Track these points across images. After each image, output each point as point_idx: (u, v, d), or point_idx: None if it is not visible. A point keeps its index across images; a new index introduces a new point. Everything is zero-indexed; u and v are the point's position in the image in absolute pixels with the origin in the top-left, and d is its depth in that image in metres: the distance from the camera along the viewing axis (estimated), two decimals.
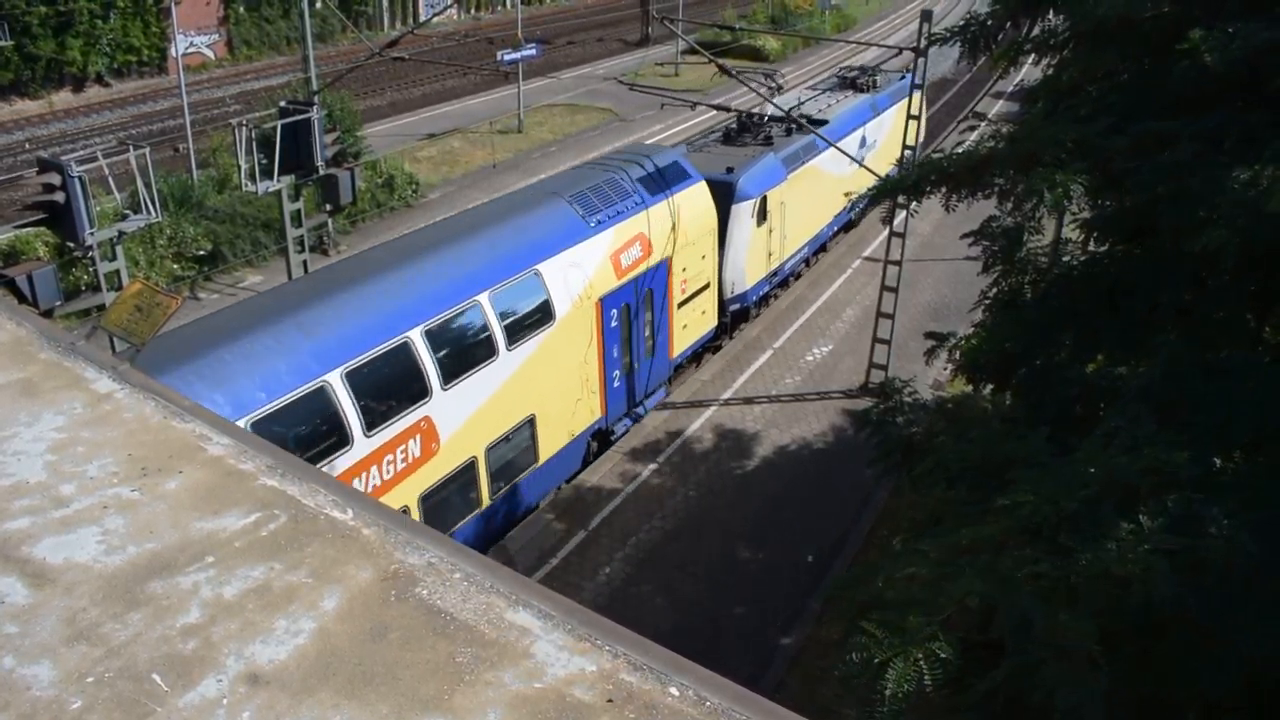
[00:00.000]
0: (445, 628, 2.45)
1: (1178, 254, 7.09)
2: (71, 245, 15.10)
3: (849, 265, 24.86)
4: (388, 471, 11.49)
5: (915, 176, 9.06)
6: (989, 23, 9.38)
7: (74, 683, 2.28)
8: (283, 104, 18.75)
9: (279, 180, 17.82)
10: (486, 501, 13.36)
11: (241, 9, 44.21)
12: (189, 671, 2.32)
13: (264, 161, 17.52)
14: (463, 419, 12.49)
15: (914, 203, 9.65)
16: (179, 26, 36.35)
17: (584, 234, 14.66)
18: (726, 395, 18.50)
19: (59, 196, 14.25)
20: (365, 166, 25.55)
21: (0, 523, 2.81)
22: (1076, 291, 8.58)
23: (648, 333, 16.53)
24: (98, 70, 38.44)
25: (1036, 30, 9.62)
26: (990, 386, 10.22)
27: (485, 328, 12.88)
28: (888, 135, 25.63)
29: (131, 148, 15.50)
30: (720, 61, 18.64)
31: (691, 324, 17.94)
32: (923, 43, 15.77)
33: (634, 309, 15.84)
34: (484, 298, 12.83)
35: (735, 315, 20.04)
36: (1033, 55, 9.65)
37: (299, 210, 19.14)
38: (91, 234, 14.63)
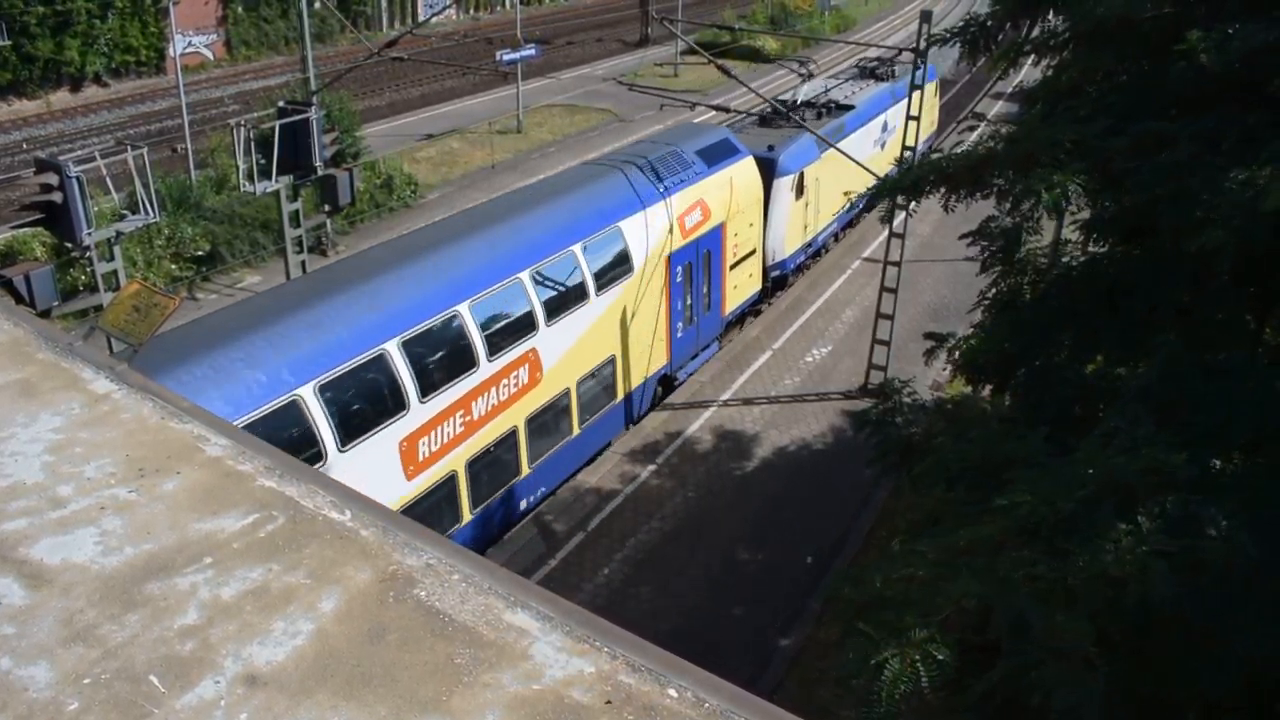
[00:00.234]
0: (444, 629, 2.44)
1: (1177, 254, 7.08)
2: (69, 245, 15.09)
3: (848, 266, 24.86)
4: (504, 393, 13.32)
5: (914, 176, 9.06)
6: (988, 23, 9.38)
7: (71, 684, 2.28)
8: (281, 104, 18.75)
9: (277, 181, 17.81)
10: (576, 431, 15.15)
11: (240, 9, 44.19)
12: (187, 673, 2.31)
13: (262, 162, 17.51)
14: (560, 353, 14.36)
15: (913, 203, 9.65)
16: (177, 26, 36.31)
17: (655, 198, 16.48)
18: (725, 396, 18.50)
19: (57, 197, 14.23)
20: (364, 167, 25.54)
21: None
22: (1076, 292, 8.58)
23: (705, 290, 18.25)
24: (96, 70, 38.43)
25: (1036, 31, 9.61)
26: (989, 387, 10.22)
27: (579, 274, 14.75)
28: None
29: (129, 148, 15.48)
30: (719, 62, 18.66)
31: (740, 285, 19.73)
32: (922, 43, 15.77)
33: (695, 267, 17.58)
34: (577, 248, 14.69)
35: (775, 281, 21.96)
36: (1032, 56, 9.64)
37: (297, 211, 19.13)
38: (89, 234, 14.61)
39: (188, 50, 41.03)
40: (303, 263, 19.30)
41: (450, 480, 12.72)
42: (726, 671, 2.38)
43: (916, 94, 17.37)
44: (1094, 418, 7.51)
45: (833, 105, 23.86)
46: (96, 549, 2.71)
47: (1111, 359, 8.71)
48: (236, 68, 43.06)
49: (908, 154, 17.72)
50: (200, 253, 22.24)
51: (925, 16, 16.09)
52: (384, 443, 11.44)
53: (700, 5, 58.42)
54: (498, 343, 13.11)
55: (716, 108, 20.07)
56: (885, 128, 26.17)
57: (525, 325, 13.64)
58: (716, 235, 18.14)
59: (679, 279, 17.12)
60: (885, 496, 15.20)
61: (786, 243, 21.20)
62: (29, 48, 35.69)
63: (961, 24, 9.56)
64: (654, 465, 16.28)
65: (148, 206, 15.79)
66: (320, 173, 18.27)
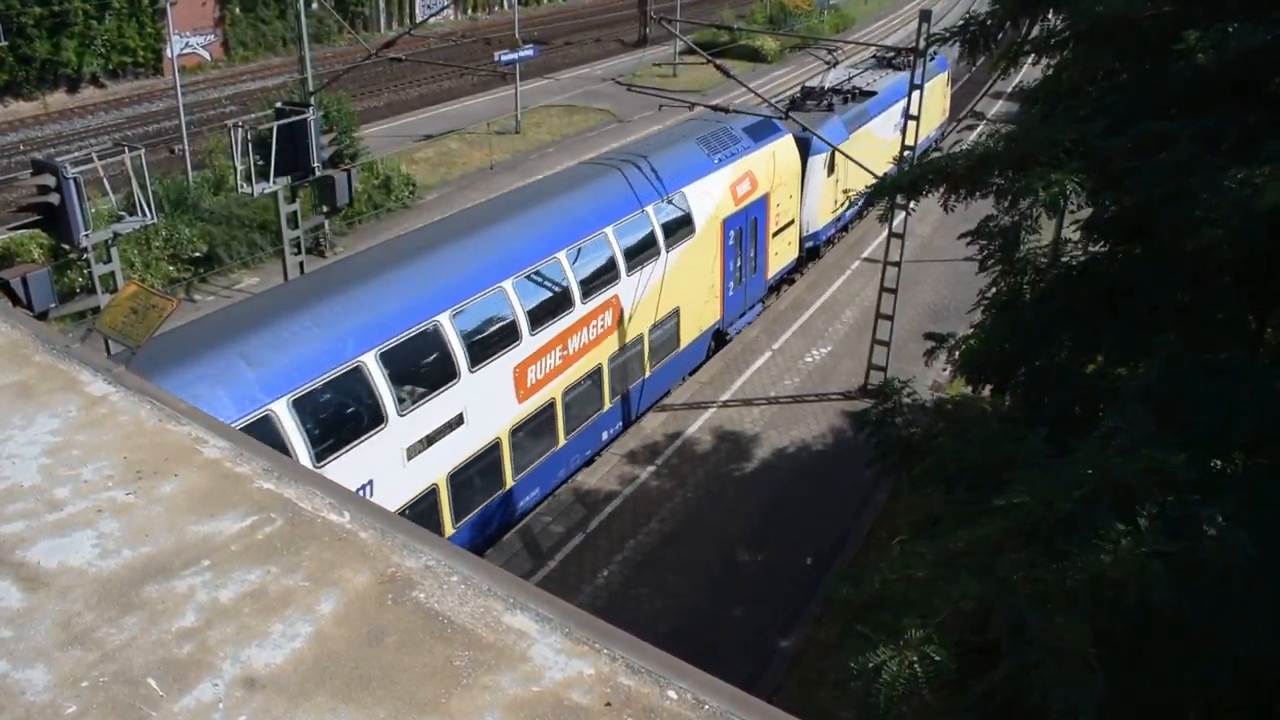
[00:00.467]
0: (443, 631, 2.43)
1: (1177, 254, 7.08)
2: (66, 247, 15.08)
3: (848, 266, 24.87)
4: (592, 333, 15.24)
5: (913, 176, 9.05)
6: (988, 23, 9.37)
7: (68, 687, 2.27)
8: (279, 105, 18.71)
9: (275, 182, 17.77)
10: (647, 373, 17.17)
11: (237, 10, 44.17)
12: (185, 676, 2.30)
13: (260, 163, 17.47)
14: (636, 301, 16.25)
15: (912, 202, 9.64)
16: (174, 27, 36.24)
17: (711, 167, 18.41)
18: (725, 397, 18.50)
19: (54, 198, 14.19)
20: (362, 168, 25.51)
21: None
22: (1076, 292, 8.57)
23: (752, 253, 20.21)
24: (93, 71, 38.40)
25: (1036, 30, 9.61)
26: (989, 387, 10.21)
27: (651, 231, 16.71)
28: (924, 106, 29.05)
29: (127, 149, 15.46)
30: (718, 62, 18.68)
31: (781, 252, 21.77)
32: (922, 43, 15.77)
33: (744, 232, 19.50)
34: (650, 209, 16.68)
35: (809, 251, 24.02)
36: (1032, 56, 9.63)
37: (296, 212, 19.10)
38: (86, 236, 14.58)
39: (185, 51, 41.01)
40: (300, 264, 19.27)
41: (550, 407, 14.61)
42: (726, 673, 2.37)
43: (922, 90, 17.73)
44: (1094, 418, 7.50)
45: (857, 91, 25.95)
46: (94, 551, 2.70)
47: (1111, 359, 8.70)
48: (234, 69, 43.05)
49: (907, 153, 17.73)
50: (198, 254, 22.22)
51: (925, 16, 16.09)
52: (502, 367, 13.46)
53: (699, 5, 58.41)
54: (589, 287, 15.10)
55: (715, 108, 20.03)
56: (904, 112, 27.67)
57: (609, 274, 15.60)
58: (762, 204, 20.05)
59: (731, 242, 18.94)
60: (885, 497, 15.19)
61: (819, 216, 23.15)
62: (25, 48, 35.66)
63: (961, 23, 9.55)
64: (653, 466, 16.28)
65: (145, 208, 15.76)
66: (318, 174, 18.24)
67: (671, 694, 2.25)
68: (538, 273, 14.22)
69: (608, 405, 16.01)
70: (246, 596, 2.55)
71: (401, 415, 11.71)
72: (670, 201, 17.16)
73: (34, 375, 3.59)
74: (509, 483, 13.93)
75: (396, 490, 11.78)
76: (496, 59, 33.35)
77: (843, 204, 24.28)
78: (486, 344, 13.22)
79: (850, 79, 27.30)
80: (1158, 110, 7.91)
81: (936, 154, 9.34)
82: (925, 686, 5.19)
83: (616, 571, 13.81)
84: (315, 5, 39.72)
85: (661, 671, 2.31)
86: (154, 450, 3.16)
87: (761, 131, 20.28)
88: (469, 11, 58.73)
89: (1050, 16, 9.51)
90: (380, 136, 32.19)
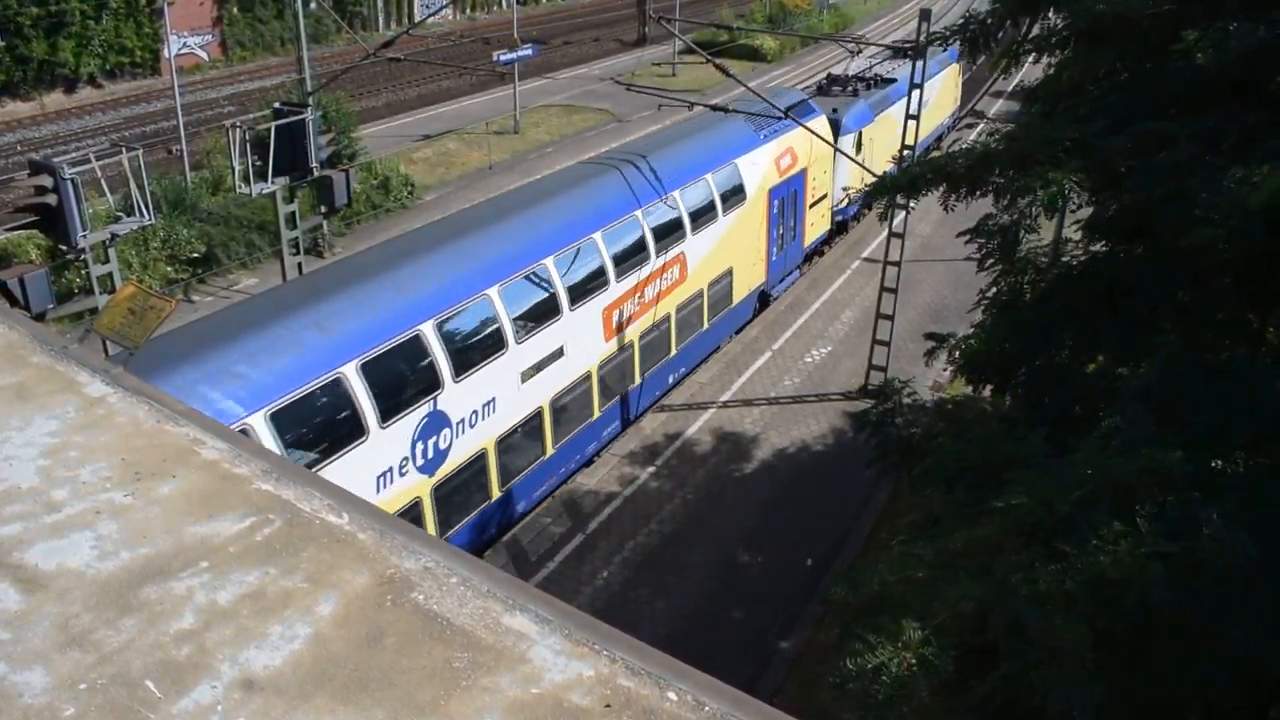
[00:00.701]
0: (442, 632, 2.43)
1: (1177, 254, 7.08)
2: (64, 248, 15.02)
3: (848, 266, 24.87)
4: (664, 283, 17.27)
5: (912, 175, 9.04)
6: (988, 21, 9.36)
7: (67, 689, 2.26)
8: (277, 105, 18.68)
9: (273, 182, 17.75)
10: (705, 326, 19.20)
11: (235, 10, 44.16)
12: (183, 678, 2.29)
13: (258, 163, 17.44)
14: (698, 259, 18.28)
15: (911, 201, 9.62)
16: (172, 27, 36.23)
17: (758, 142, 20.45)
18: (725, 397, 18.49)
19: (51, 199, 14.16)
20: (361, 168, 25.51)
21: None
22: (1076, 291, 8.56)
23: (792, 222, 22.22)
24: (90, 72, 38.37)
25: (1036, 29, 9.59)
26: (990, 387, 10.20)
27: (710, 196, 18.75)
28: (938, 94, 31.72)
29: (124, 149, 15.43)
30: (717, 61, 18.68)
31: (816, 223, 23.78)
32: (922, 42, 15.77)
33: (785, 202, 21.52)
34: (709, 176, 18.76)
35: (838, 225, 25.66)
36: (1032, 55, 9.62)
37: (294, 212, 19.07)
38: (84, 237, 14.54)
39: (183, 51, 41.00)
40: (299, 265, 19.25)
41: (629, 349, 16.60)
42: (726, 674, 2.37)
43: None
44: (1094, 418, 7.50)
45: (879, 78, 27.71)
46: (92, 553, 2.69)
47: (1112, 359, 8.69)
48: (232, 69, 43.04)
49: (907, 153, 17.73)
50: (196, 255, 22.20)
51: (924, 15, 16.09)
52: (593, 309, 15.49)
53: (698, 4, 58.41)
54: (661, 243, 17.03)
55: (714, 107, 20.05)
56: (918, 101, 29.23)
57: (678, 232, 17.58)
58: (801, 178, 22.04)
59: (774, 210, 20.94)
60: (885, 498, 15.19)
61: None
62: (23, 49, 35.63)
63: (961, 22, 9.54)
64: (653, 467, 16.27)
65: (143, 209, 15.74)
66: (317, 174, 18.21)
67: (671, 695, 2.24)
68: (621, 226, 16.25)
69: (673, 352, 18.14)
70: (245, 598, 2.54)
71: (519, 344, 13.98)
72: (727, 171, 19.26)
73: (32, 376, 3.58)
74: (596, 413, 16.07)
75: (513, 410, 14.04)
76: (495, 59, 33.36)
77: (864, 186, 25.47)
78: (582, 288, 15.33)
79: (871, 66, 28.98)
80: (1157, 110, 7.91)
81: (937, 153, 9.32)
82: (924, 689, 5.18)
83: (616, 573, 13.80)
84: (313, 5, 39.71)
85: (661, 673, 2.30)
86: (152, 451, 3.15)
87: (800, 112, 21.42)
88: (467, 11, 58.73)
89: (1050, 15, 9.49)
90: (379, 137, 32.17)
